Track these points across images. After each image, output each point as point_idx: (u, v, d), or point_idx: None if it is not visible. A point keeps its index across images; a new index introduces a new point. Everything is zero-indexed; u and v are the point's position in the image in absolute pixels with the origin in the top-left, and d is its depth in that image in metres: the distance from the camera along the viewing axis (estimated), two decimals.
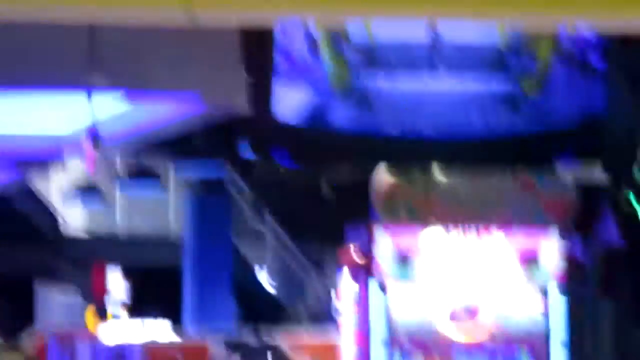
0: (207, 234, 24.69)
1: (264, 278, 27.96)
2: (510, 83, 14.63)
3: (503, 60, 14.25)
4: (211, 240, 24.46)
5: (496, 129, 14.55)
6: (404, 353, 13.71)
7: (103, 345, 18.90)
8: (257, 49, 15.51)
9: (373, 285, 14.00)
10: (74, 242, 29.04)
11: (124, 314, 24.07)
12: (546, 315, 13.80)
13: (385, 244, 13.79)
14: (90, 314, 24.05)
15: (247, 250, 27.63)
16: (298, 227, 23.37)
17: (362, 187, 15.01)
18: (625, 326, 15.35)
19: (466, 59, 14.38)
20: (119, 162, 22.73)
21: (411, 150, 14.84)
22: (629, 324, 15.23)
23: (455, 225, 14.06)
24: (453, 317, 13.73)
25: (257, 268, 27.96)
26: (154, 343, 19.21)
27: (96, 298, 25.45)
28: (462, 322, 13.76)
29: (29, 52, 14.46)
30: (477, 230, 14.30)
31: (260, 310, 25.52)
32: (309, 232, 22.55)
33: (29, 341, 18.62)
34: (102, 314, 23.34)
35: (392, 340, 13.58)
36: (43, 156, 20.84)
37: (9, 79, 14.56)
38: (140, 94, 15.74)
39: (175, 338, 19.63)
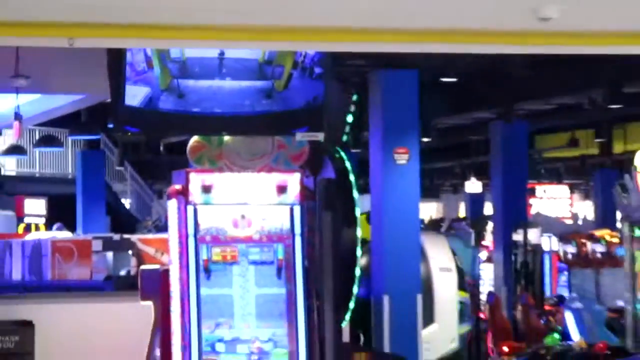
0: (90, 175, 35.43)
1: (127, 203, 44.37)
2: (267, 83, 16.35)
3: (262, 68, 17.82)
4: (93, 180, 35.08)
5: (260, 110, 16.10)
6: (207, 245, 15.31)
7: (28, 241, 23.69)
8: (115, 64, 19.74)
9: (189, 207, 15.31)
10: (8, 179, 38.41)
11: (41, 226, 33.65)
12: (292, 222, 15.52)
13: (195, 181, 15.51)
14: (20, 226, 33.95)
15: (115, 185, 42.94)
16: (146, 171, 30.20)
17: (183, 146, 16.91)
18: (339, 227, 16.57)
19: (240, 67, 16.25)
20: (35, 130, 33.67)
21: (208, 122, 16.10)
22: (341, 226, 16.57)
23: (238, 169, 15.84)
24: (235, 224, 15.43)
25: (122, 197, 44.04)
26: (58, 239, 23.27)
27: (21, 216, 36.34)
28: (241, 227, 15.39)
29: None
30: (251, 171, 15.89)
31: (124, 222, 37.54)
32: (153, 174, 28.19)
33: None
34: (28, 227, 33.41)
35: (199, 238, 15.18)
36: None
37: None
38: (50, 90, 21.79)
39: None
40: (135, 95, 17.93)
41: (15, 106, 20.08)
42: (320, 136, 18.44)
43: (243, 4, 8.69)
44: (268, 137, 16.43)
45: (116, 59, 17.88)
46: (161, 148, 16.10)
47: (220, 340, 15.26)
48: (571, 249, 27.23)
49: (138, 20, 8.75)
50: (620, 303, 17.77)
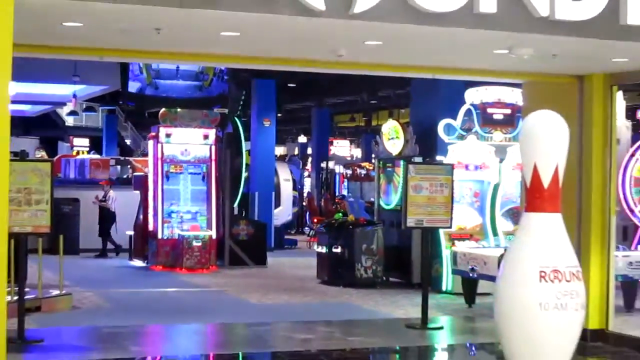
0: (110, 127, 32.14)
1: (128, 141, 35.57)
2: (199, 82, 21.10)
3: (198, 75, 20.92)
4: (111, 129, 32.06)
5: (196, 96, 20.88)
6: (167, 163, 18.49)
7: (77, 159, 25.56)
8: (124, 70, 20.53)
9: (158, 144, 18.40)
10: (68, 128, 33.76)
11: (84, 152, 31.53)
12: (210, 153, 18.47)
13: (162, 131, 18.46)
14: (74, 151, 31.67)
15: (122, 133, 35.29)
16: (138, 125, 27.16)
17: (156, 113, 19.09)
18: (233, 157, 20.64)
19: (187, 74, 20.99)
20: (83, 103, 27.65)
21: (170, 102, 20.05)
22: (234, 156, 20.53)
23: (184, 126, 18.80)
24: (182, 153, 18.75)
25: (125, 138, 33.58)
26: (92, 158, 25.38)
27: (73, 146, 32.94)
28: (184, 155, 18.60)
29: None
30: (191, 127, 18.77)
31: (126, 151, 31.60)
32: (141, 127, 25.58)
33: None
34: (77, 153, 31.29)
35: (163, 160, 18.33)
36: None
37: None
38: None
39: None
40: (133, 86, 21.61)
41: (72, 91, 21.89)
42: (225, 110, 20.87)
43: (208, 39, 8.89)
44: (200, 110, 19.25)
45: (124, 67, 19.75)
46: (146, 114, 18.18)
47: (172, 212, 18.31)
48: (349, 172, 31.15)
49: (137, 48, 9.57)
50: (372, 199, 19.34)
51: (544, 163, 6.42)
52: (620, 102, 10.35)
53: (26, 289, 10.34)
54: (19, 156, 10.37)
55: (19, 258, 9.88)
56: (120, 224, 19.88)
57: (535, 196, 6.53)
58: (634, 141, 11.96)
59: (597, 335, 10.28)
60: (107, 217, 19.44)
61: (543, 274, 6.25)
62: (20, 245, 9.93)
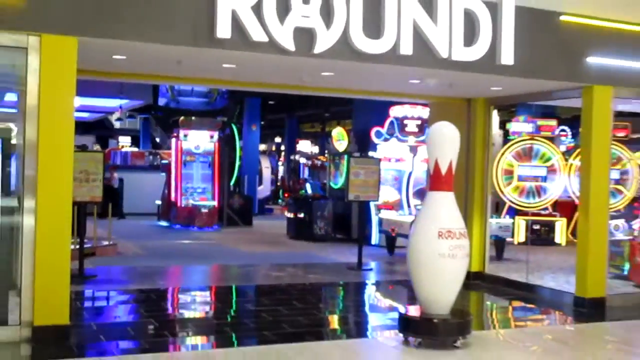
0: (145, 130, 29.38)
1: (157, 139, 27.27)
2: (208, 98, 19.29)
3: (207, 93, 19.16)
4: (145, 131, 29.19)
5: (205, 109, 19.28)
6: (184, 154, 17.88)
7: (122, 151, 24.65)
8: (155, 89, 19.36)
9: (178, 141, 17.86)
10: (116, 130, 30.47)
11: (126, 146, 29.85)
12: (214, 148, 17.62)
13: (182, 132, 18.00)
14: (119, 146, 29.76)
15: (154, 134, 27.57)
16: (165, 128, 22.21)
17: (177, 120, 18.47)
18: (230, 152, 19.78)
19: (199, 92, 19.01)
20: (126, 112, 25.68)
21: (187, 112, 18.81)
22: (231, 151, 19.82)
23: (197, 129, 18.05)
24: (196, 147, 17.95)
25: (155, 137, 27.55)
26: (133, 151, 25.22)
27: (118, 142, 30.74)
28: (197, 148, 17.79)
29: None
30: (202, 130, 18.10)
31: (156, 146, 27.52)
32: (167, 129, 21.32)
33: None
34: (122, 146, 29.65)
35: (182, 152, 17.78)
36: None
37: None
38: None
39: None
40: (161, 101, 21.58)
41: (119, 104, 20.86)
42: (225, 119, 19.79)
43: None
44: (207, 118, 18.67)
45: (155, 88, 19.00)
46: (170, 121, 18.05)
47: (187, 188, 17.94)
48: (310, 162, 29.98)
49: (164, 74, 9.25)
50: (325, 181, 17.91)
51: (442, 158, 6.45)
52: (495, 117, 10.40)
53: (85, 240, 10.26)
54: (81, 148, 10.28)
55: (80, 219, 9.81)
56: (151, 196, 19.58)
57: (435, 180, 6.52)
58: (503, 144, 12.01)
59: (477, 276, 10.41)
60: (110, 192, 18.11)
61: (440, 233, 6.28)
62: (81, 210, 9.83)
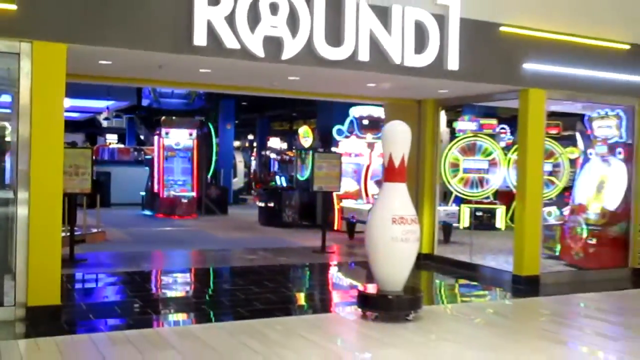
0: (130, 128, 27.81)
1: (142, 137, 25.83)
2: (187, 99, 18.46)
3: (186, 95, 18.63)
4: (131, 129, 27.79)
5: (185, 109, 18.75)
6: (166, 150, 17.17)
7: (109, 148, 24.27)
8: (138, 91, 19.07)
9: (160, 138, 17.20)
10: (104, 128, 28.97)
11: (113, 143, 29.11)
12: (193, 144, 16.61)
13: (163, 130, 17.01)
14: (106, 143, 28.76)
15: (139, 131, 26.19)
16: (148, 126, 21.15)
17: (159, 119, 18.02)
18: (208, 147, 18.95)
19: (179, 93, 18.70)
20: (113, 112, 24.55)
21: (168, 112, 18.47)
22: (207, 148, 18.81)
23: (177, 127, 17.30)
24: (176, 144, 17.19)
25: (140, 134, 25.84)
26: (119, 147, 24.71)
27: (105, 139, 29.68)
28: (177, 144, 16.93)
29: None
30: (182, 128, 17.33)
31: (140, 143, 26.14)
32: (150, 127, 20.33)
33: None
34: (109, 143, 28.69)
35: (164, 148, 17.14)
36: None
37: None
38: None
39: None
40: (144, 102, 21.31)
41: (106, 104, 20.82)
42: (203, 118, 19.26)
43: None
44: (187, 118, 18.29)
45: (139, 90, 18.71)
46: (153, 120, 17.67)
47: (169, 180, 17.45)
48: (279, 157, 30.12)
49: (147, 77, 8.97)
50: (292, 174, 17.69)
51: (396, 153, 6.46)
52: (442, 117, 10.42)
53: (75, 228, 10.11)
54: (71, 145, 10.08)
55: (70, 208, 9.71)
56: (136, 188, 19.15)
57: (390, 173, 6.50)
58: (450, 140, 11.95)
59: (427, 257, 10.42)
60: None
61: (394, 219, 6.28)
62: (71, 200, 9.74)
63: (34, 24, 5.94)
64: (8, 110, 6.34)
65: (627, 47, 9.06)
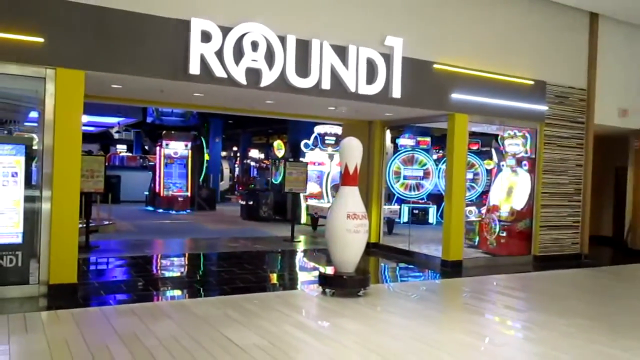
0: (137, 140, 25.70)
1: (146, 147, 23.35)
2: (184, 116, 17.94)
3: (184, 113, 17.54)
4: (138, 141, 25.70)
5: (182, 125, 17.96)
6: (166, 158, 16.29)
7: (120, 155, 23.39)
8: (143, 110, 18.14)
9: (161, 149, 16.41)
10: (115, 140, 25.72)
11: (123, 152, 27.64)
12: (188, 154, 15.87)
13: (164, 142, 16.22)
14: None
15: (145, 143, 23.00)
16: (152, 139, 19.37)
17: (161, 134, 16.95)
18: (200, 156, 18.15)
19: (178, 112, 17.65)
20: (123, 126, 22.80)
21: (168, 128, 17.48)
22: (200, 156, 18.02)
23: (176, 140, 16.47)
24: (174, 153, 16.44)
25: (145, 145, 23.61)
26: (128, 155, 23.81)
27: (116, 148, 28.08)
28: (175, 154, 15.98)
29: None
30: (180, 141, 16.52)
31: (146, 152, 24.54)
32: (154, 140, 18.70)
33: None
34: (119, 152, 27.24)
35: (165, 156, 16.22)
36: None
37: None
38: None
39: None
40: (149, 119, 21.15)
41: (118, 120, 20.36)
42: (196, 133, 18.40)
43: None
44: (183, 132, 17.69)
45: (144, 109, 18.08)
46: (156, 133, 17.13)
47: (168, 182, 16.88)
48: (257, 165, 28.52)
49: (150, 99, 8.67)
50: (268, 178, 16.97)
51: (350, 162, 6.44)
52: (388, 134, 10.39)
53: (90, 220, 9.84)
54: (87, 153, 9.84)
55: (86, 204, 9.44)
56: (141, 188, 18.54)
57: (345, 178, 6.45)
58: (394, 153, 11.81)
59: (374, 245, 10.34)
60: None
61: (348, 215, 6.26)
62: (87, 198, 9.46)
63: (58, 54, 5.85)
64: (35, 124, 6.28)
65: (532, 82, 9.19)
